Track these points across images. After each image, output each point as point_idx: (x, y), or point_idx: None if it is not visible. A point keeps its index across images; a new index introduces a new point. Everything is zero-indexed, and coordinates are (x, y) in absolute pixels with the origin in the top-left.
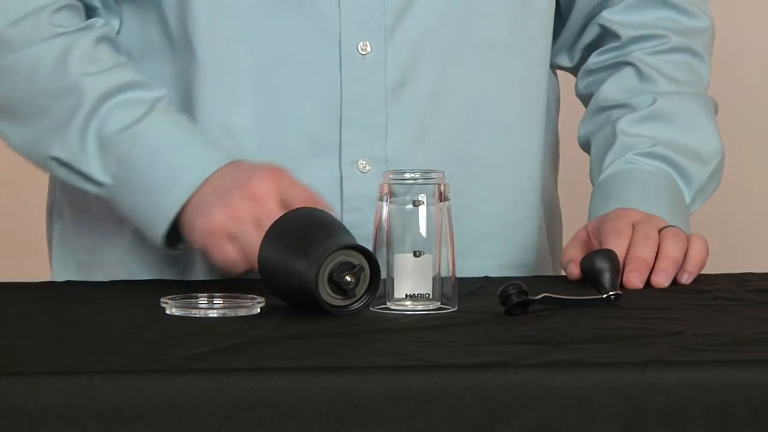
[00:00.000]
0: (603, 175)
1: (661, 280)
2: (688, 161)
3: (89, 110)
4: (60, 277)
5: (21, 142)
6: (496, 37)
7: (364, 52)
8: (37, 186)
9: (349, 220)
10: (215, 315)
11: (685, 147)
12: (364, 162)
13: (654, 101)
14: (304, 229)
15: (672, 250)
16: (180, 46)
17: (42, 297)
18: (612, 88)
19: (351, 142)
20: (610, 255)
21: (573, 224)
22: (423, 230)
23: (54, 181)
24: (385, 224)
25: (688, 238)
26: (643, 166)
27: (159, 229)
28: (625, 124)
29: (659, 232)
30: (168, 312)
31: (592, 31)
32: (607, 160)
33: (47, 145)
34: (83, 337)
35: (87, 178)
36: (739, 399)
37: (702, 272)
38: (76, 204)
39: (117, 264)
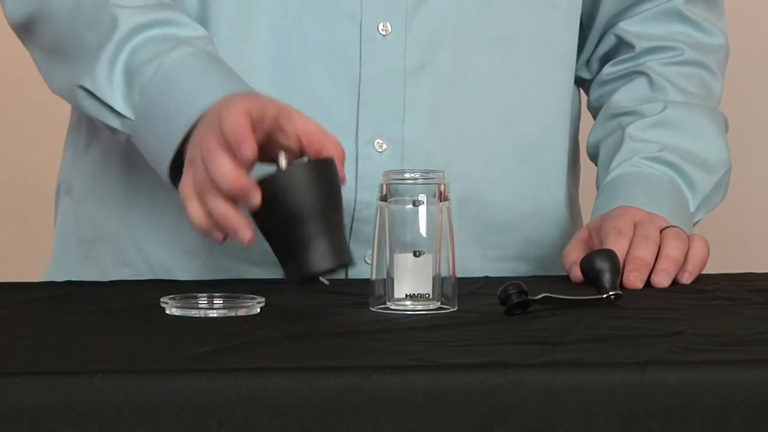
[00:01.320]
0: (609, 177)
1: (662, 280)
2: (694, 169)
3: (120, 40)
4: (58, 255)
5: (62, 80)
6: (514, 30)
7: (384, 33)
8: (40, 185)
9: (363, 198)
10: (215, 315)
11: (692, 154)
12: (380, 141)
13: (664, 109)
14: (295, 214)
15: (673, 250)
16: (197, 23)
17: (42, 297)
18: (623, 97)
19: (368, 122)
20: (610, 255)
21: None
22: (423, 230)
23: (66, 155)
24: (385, 224)
25: (689, 239)
26: (649, 169)
27: (165, 159)
28: (633, 129)
29: (660, 232)
30: (168, 312)
31: (608, 41)
32: (614, 163)
33: (78, 75)
34: (83, 337)
35: (111, 109)
36: (739, 399)
37: (702, 272)
38: (87, 178)
39: (124, 237)
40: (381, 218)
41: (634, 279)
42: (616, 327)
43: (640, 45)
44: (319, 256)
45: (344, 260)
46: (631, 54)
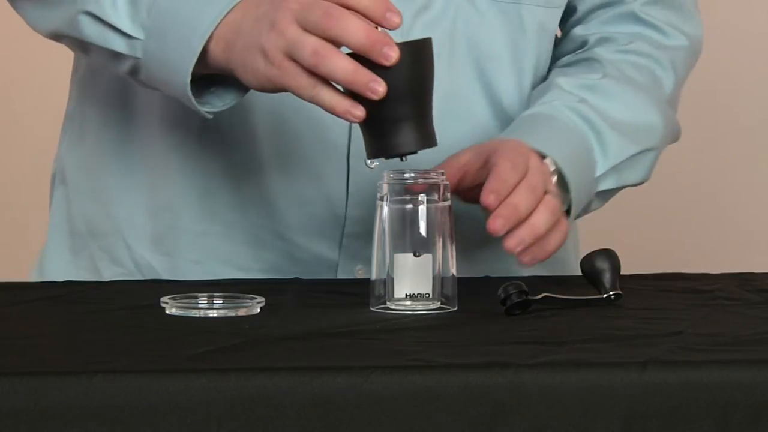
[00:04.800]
0: (525, 113)
1: (497, 227)
2: (611, 131)
3: None
4: (52, 245)
5: (60, 16)
6: (501, 50)
7: None
8: (36, 173)
9: (353, 214)
10: (215, 315)
11: (614, 119)
12: None
13: (601, 78)
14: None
15: (540, 221)
16: None
17: (42, 297)
18: (569, 72)
19: (360, 138)
20: (610, 255)
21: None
22: (423, 230)
23: (61, 143)
24: (385, 224)
25: (558, 219)
26: (564, 117)
27: (188, 62)
28: (563, 81)
29: (545, 193)
30: (168, 312)
31: (565, 44)
32: (533, 104)
33: (81, 3)
34: (83, 337)
35: (117, 31)
36: (739, 399)
37: (702, 272)
38: (82, 169)
39: (113, 235)
40: (381, 218)
41: (500, 226)
42: (616, 327)
43: (592, 39)
44: (409, 138)
45: (431, 143)
46: (585, 48)
